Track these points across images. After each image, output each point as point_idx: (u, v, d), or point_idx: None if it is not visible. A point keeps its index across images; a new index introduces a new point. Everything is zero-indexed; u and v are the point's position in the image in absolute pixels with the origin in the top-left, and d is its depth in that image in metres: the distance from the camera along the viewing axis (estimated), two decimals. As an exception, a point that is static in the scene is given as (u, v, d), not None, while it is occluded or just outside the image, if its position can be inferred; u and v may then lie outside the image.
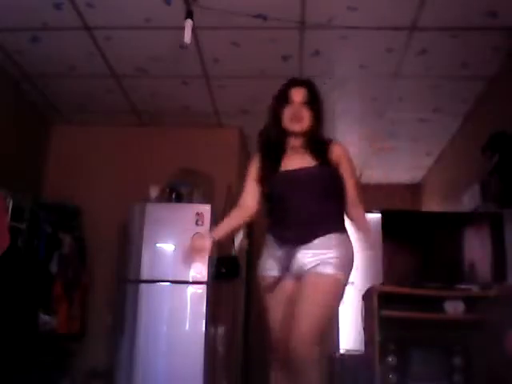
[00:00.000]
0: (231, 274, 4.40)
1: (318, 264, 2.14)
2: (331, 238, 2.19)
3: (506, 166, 3.43)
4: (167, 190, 4.34)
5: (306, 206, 2.22)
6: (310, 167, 2.26)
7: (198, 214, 4.04)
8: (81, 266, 4.37)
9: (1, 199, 3.27)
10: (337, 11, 3.30)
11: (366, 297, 3.47)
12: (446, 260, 3.50)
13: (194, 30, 3.25)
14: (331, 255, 2.15)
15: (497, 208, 3.55)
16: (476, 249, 3.52)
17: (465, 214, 3.97)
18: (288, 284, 2.23)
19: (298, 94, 2.32)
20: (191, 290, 3.94)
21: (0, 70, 4.07)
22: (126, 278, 4.01)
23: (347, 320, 5.02)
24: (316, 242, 2.17)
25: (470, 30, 3.41)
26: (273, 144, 2.37)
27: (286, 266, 2.21)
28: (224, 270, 4.31)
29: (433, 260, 3.49)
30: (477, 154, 3.84)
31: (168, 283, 3.96)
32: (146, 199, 4.25)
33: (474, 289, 3.34)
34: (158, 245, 4.04)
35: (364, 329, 3.53)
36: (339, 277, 2.15)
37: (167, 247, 4.04)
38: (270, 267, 2.26)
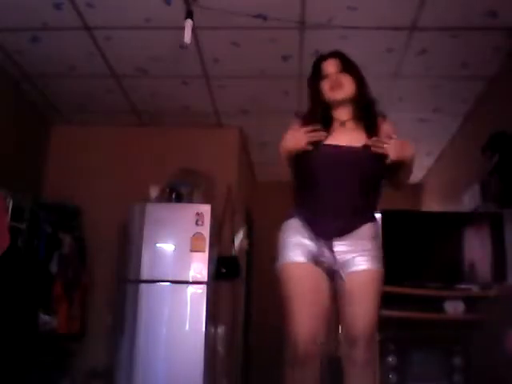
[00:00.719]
0: (231, 274, 4.40)
1: (358, 258, 2.02)
2: (367, 228, 2.07)
3: (506, 166, 3.43)
4: (167, 190, 4.34)
5: (349, 193, 2.05)
6: (357, 148, 2.06)
7: (197, 213, 4.04)
8: (81, 265, 4.37)
9: (1, 199, 3.26)
10: (337, 11, 3.30)
11: (366, 297, 3.46)
12: (446, 260, 3.50)
13: (194, 30, 3.25)
14: (368, 247, 2.04)
15: (497, 208, 3.55)
16: (476, 249, 3.52)
17: (465, 214, 3.97)
18: (317, 273, 2.04)
19: (330, 66, 2.18)
20: (191, 289, 3.94)
21: (0, 69, 4.07)
22: (126, 278, 4.01)
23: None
24: (353, 233, 2.04)
25: (470, 29, 3.41)
26: (319, 121, 2.12)
27: (317, 257, 2.03)
28: (224, 270, 4.32)
29: (433, 260, 3.49)
30: (477, 154, 3.84)
31: (168, 283, 3.96)
32: (146, 199, 4.25)
33: (474, 289, 3.34)
34: (158, 245, 4.04)
35: (364, 329, 3.53)
36: (381, 270, 2.07)
37: (167, 247, 4.04)
38: (295, 254, 2.04)
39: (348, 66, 2.19)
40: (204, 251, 3.98)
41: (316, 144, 2.05)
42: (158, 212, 4.12)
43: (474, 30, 3.42)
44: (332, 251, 2.04)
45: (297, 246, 2.05)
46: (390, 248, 3.44)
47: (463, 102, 4.35)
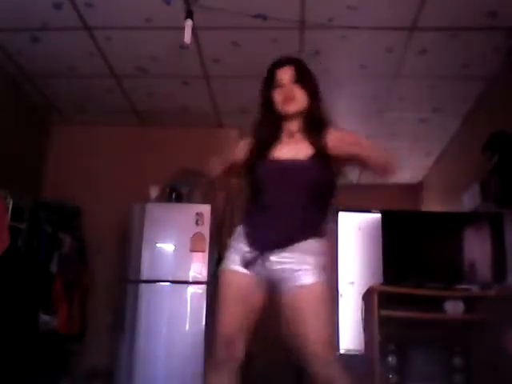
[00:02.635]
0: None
1: (299, 272, 1.93)
2: (310, 244, 1.99)
3: (506, 166, 3.44)
4: (167, 190, 4.34)
5: (289, 206, 2.00)
6: (301, 160, 2.02)
7: (197, 214, 4.04)
8: (81, 266, 4.37)
9: (1, 199, 3.27)
10: (337, 11, 3.30)
11: (366, 297, 3.47)
12: (445, 260, 3.50)
13: (193, 30, 3.25)
14: (310, 262, 1.96)
15: (497, 208, 3.55)
16: (476, 249, 3.52)
17: (465, 214, 3.97)
18: (249, 281, 2.00)
19: (285, 74, 2.13)
20: (191, 289, 3.94)
21: (0, 69, 4.07)
22: (126, 278, 4.01)
23: (347, 320, 5.02)
24: (292, 247, 1.97)
25: (470, 29, 3.41)
26: (267, 131, 2.14)
27: (255, 266, 1.99)
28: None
29: (433, 260, 3.49)
30: (477, 154, 3.84)
31: (168, 283, 3.96)
32: (146, 199, 4.24)
33: (474, 289, 3.34)
34: (158, 245, 4.04)
35: (364, 329, 3.53)
36: (322, 281, 1.95)
37: (167, 247, 4.04)
38: (234, 260, 2.03)
39: (303, 77, 2.14)
40: (204, 251, 3.98)
41: (261, 159, 2.06)
42: (157, 212, 4.12)
43: (474, 30, 3.42)
44: (270, 263, 1.97)
45: (237, 253, 2.03)
46: (390, 248, 3.48)
47: (463, 102, 4.35)
